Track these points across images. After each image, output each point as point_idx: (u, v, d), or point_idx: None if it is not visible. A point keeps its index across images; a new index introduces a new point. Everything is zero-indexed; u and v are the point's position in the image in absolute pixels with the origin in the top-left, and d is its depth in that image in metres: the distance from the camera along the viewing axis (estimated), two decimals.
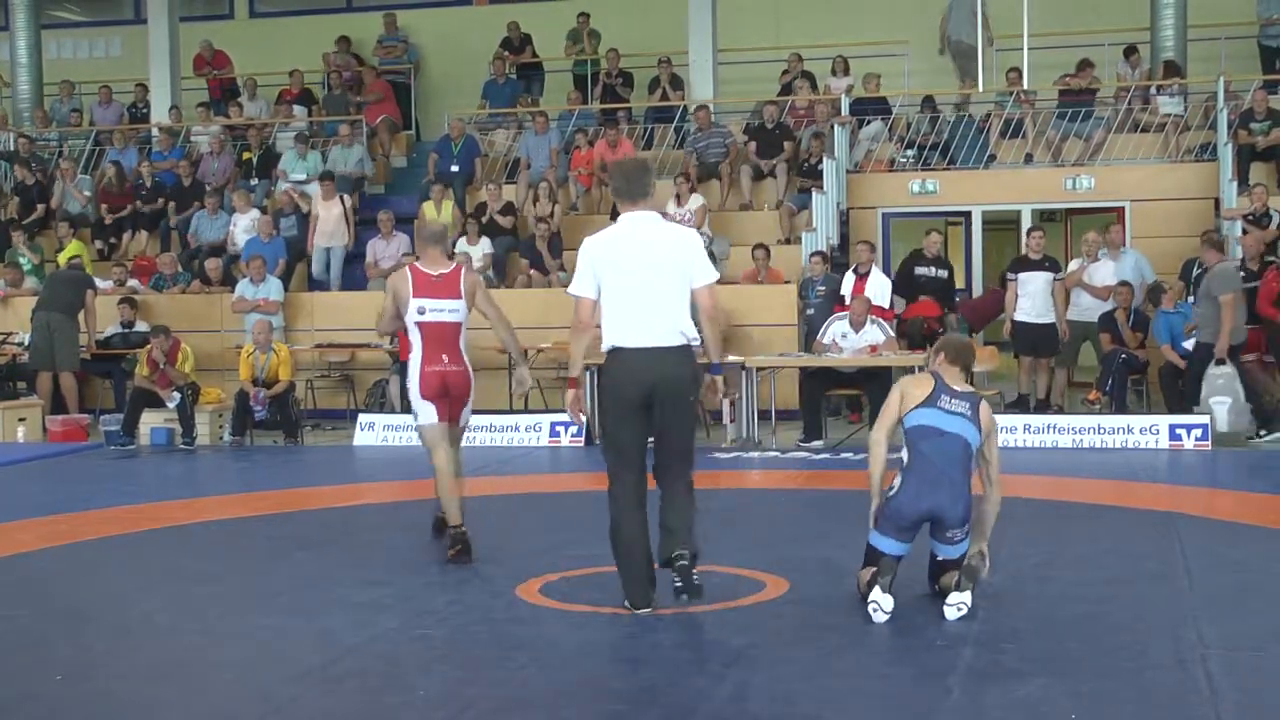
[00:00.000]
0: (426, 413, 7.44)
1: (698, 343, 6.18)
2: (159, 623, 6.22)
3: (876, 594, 5.88)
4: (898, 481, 6.05)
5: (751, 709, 4.84)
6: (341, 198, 16.18)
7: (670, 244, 6.17)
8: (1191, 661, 5.22)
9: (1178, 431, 11.55)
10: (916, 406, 6.06)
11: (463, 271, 7.65)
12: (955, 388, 6.14)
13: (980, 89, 16.07)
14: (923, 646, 5.53)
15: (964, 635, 5.62)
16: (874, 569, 5.98)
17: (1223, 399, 11.89)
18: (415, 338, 7.43)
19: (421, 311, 7.42)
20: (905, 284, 14.15)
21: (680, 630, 5.83)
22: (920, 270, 14.09)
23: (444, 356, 7.43)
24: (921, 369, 6.22)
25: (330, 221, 16.04)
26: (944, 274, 14.27)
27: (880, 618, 5.85)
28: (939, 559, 6.13)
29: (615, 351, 6.13)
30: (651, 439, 6.20)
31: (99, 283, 15.45)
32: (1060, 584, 6.59)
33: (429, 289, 7.45)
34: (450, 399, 7.49)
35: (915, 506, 5.99)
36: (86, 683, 5.31)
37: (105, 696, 5.17)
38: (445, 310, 7.45)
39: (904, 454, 6.09)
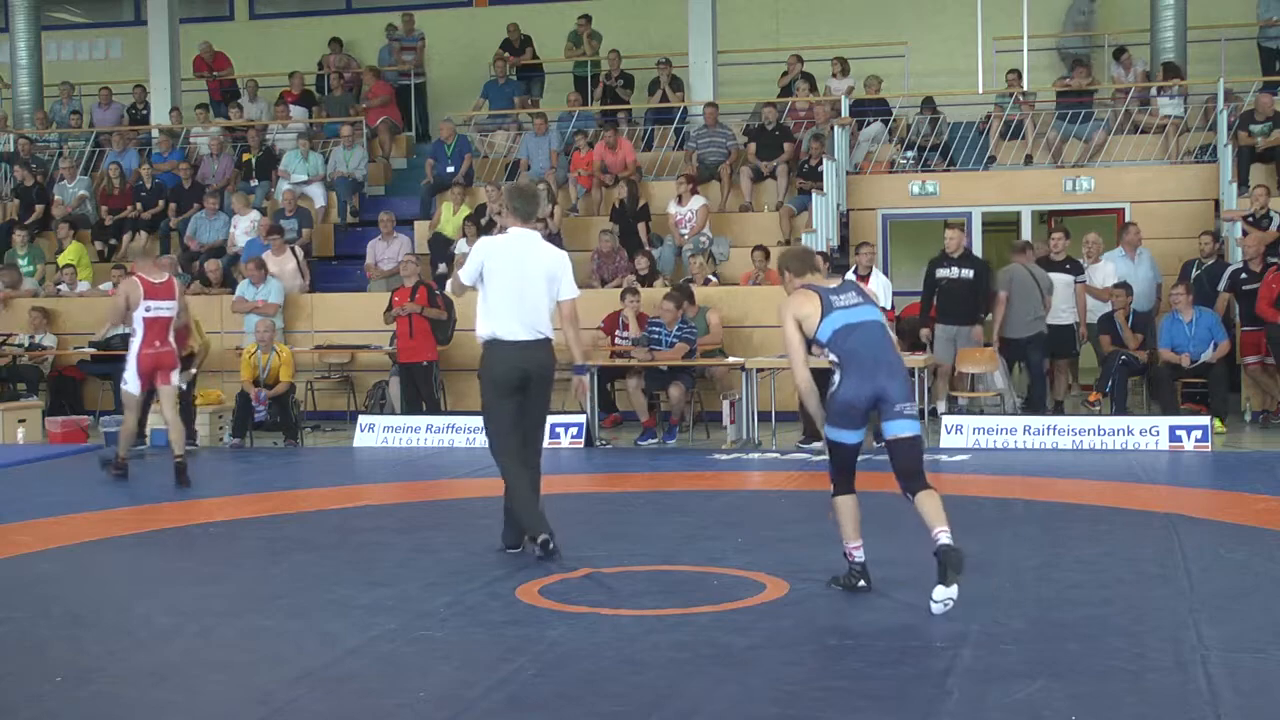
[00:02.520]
0: (134, 384, 10.44)
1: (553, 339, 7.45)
2: (159, 624, 6.22)
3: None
4: (837, 378, 6.20)
5: (752, 710, 4.84)
6: (293, 249, 15.56)
7: (546, 261, 7.45)
8: (1191, 663, 5.22)
9: (1178, 433, 11.54)
10: (820, 323, 6.20)
11: (175, 281, 10.63)
12: (832, 285, 6.34)
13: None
14: (923, 646, 5.53)
15: (964, 635, 5.62)
16: (846, 497, 6.32)
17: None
18: (139, 328, 10.30)
19: (148, 310, 10.30)
20: (930, 292, 13.02)
21: (680, 631, 5.83)
22: (942, 272, 12.89)
23: (157, 342, 10.40)
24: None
25: (284, 277, 15.30)
26: (969, 273, 12.81)
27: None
28: (894, 438, 6.18)
29: (494, 342, 7.35)
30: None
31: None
32: (1060, 585, 6.59)
33: (154, 293, 10.37)
34: (158, 371, 10.42)
35: (860, 394, 6.16)
36: (86, 684, 5.31)
37: (105, 698, 5.17)
38: (164, 308, 10.40)
39: (834, 358, 6.23)
